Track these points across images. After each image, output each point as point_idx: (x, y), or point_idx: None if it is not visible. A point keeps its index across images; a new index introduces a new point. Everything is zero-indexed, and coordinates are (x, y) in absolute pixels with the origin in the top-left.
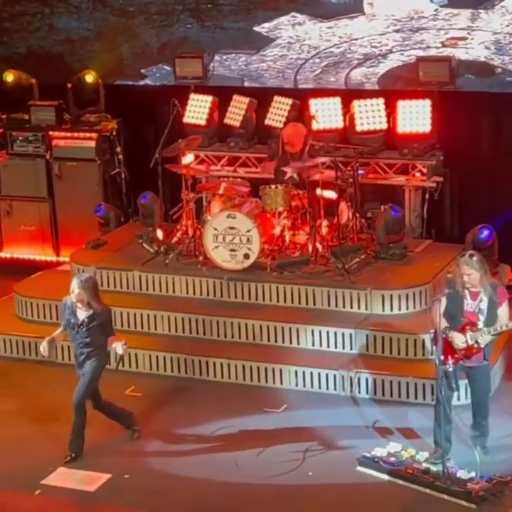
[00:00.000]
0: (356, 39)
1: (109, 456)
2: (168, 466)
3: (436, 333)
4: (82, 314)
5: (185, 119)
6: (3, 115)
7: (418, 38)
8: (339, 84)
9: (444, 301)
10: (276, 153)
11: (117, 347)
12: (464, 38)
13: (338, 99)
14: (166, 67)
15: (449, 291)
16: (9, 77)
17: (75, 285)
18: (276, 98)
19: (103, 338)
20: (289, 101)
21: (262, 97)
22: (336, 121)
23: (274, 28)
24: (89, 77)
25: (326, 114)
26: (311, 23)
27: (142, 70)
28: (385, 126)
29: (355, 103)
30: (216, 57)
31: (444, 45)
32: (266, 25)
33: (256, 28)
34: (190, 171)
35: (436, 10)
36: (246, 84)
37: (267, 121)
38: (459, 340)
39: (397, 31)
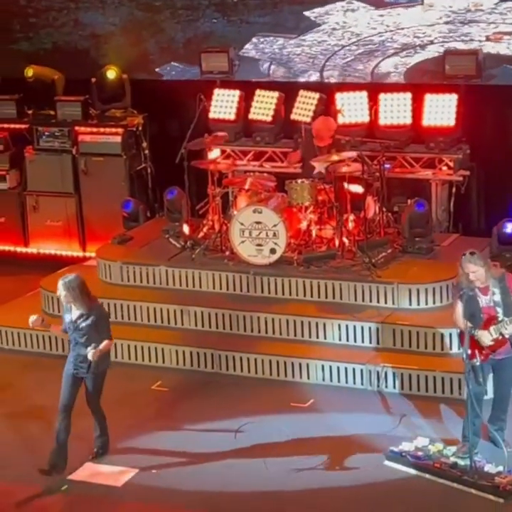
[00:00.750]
0: (402, 28)
1: (135, 451)
2: (195, 461)
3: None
4: (76, 313)
5: (212, 114)
6: (29, 110)
7: (465, 30)
8: (365, 73)
9: (459, 304)
10: (303, 146)
11: (88, 353)
12: (511, 33)
13: (364, 93)
14: (176, 64)
15: (460, 294)
16: (30, 72)
17: (60, 287)
18: (302, 92)
19: (100, 340)
20: (316, 95)
21: (287, 91)
22: (362, 116)
23: (324, 13)
24: (111, 73)
25: (352, 108)
26: (364, 10)
27: (157, 69)
28: (410, 120)
29: (382, 97)
30: (253, 40)
31: (488, 39)
32: (316, 9)
33: (306, 13)
34: (216, 167)
35: (496, 3)
36: (273, 67)
37: (293, 116)
38: (485, 338)
39: (447, 22)
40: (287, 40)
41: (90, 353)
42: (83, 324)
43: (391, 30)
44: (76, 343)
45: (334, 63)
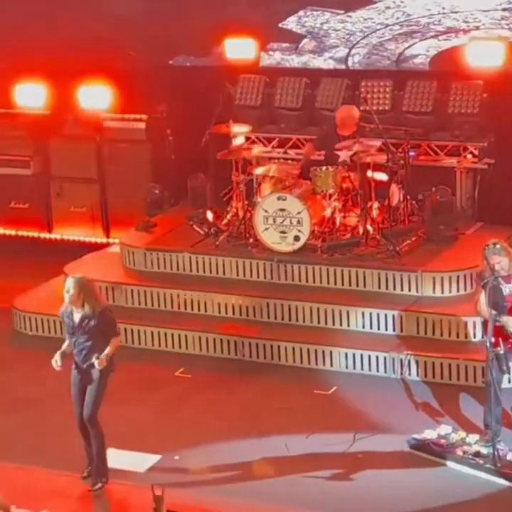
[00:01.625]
0: (456, 12)
1: (158, 437)
2: (218, 447)
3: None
4: (78, 316)
5: (237, 101)
6: (54, 96)
7: None
8: (392, 54)
9: (482, 293)
10: (327, 135)
11: (95, 362)
12: None
13: (389, 82)
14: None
15: (483, 283)
16: None
17: (70, 285)
18: (324, 80)
19: (105, 343)
20: (341, 82)
21: (313, 78)
22: (387, 103)
23: None
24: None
25: (376, 95)
26: None
27: (170, 62)
28: (430, 109)
29: (408, 84)
30: (299, 12)
31: None
32: None
33: None
34: (240, 155)
35: None
36: (305, 40)
37: (317, 103)
38: (511, 324)
39: (504, 9)
40: (334, 15)
41: (96, 362)
42: (91, 324)
43: (443, 13)
44: (82, 349)
45: (368, 41)
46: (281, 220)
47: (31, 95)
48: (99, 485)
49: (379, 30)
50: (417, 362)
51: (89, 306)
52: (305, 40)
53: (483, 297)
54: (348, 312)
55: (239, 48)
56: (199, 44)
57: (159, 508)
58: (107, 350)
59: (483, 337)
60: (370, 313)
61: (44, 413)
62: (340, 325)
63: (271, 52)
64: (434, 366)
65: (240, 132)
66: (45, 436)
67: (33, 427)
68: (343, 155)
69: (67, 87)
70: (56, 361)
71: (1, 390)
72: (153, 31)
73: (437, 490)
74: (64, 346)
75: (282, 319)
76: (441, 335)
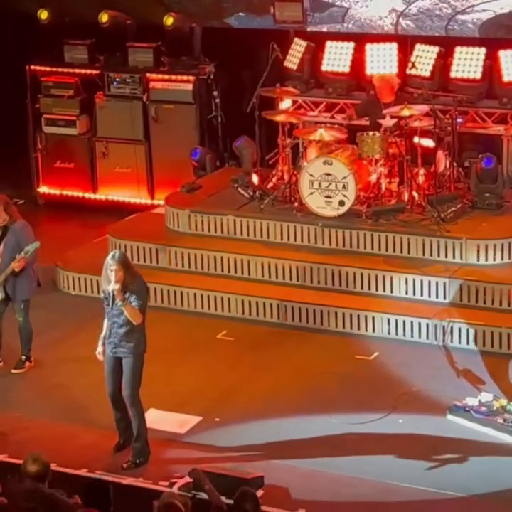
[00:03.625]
0: None
1: (200, 399)
2: (258, 410)
3: None
4: (113, 286)
5: (286, 63)
6: (100, 56)
7: None
8: (442, 19)
9: None
10: (369, 102)
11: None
12: None
13: (437, 48)
14: (241, 14)
15: None
16: (104, 17)
17: (112, 262)
18: (369, 45)
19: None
20: (390, 46)
21: (360, 43)
22: (435, 69)
23: None
24: (169, 20)
25: (425, 61)
26: None
27: (225, 20)
28: (479, 76)
29: (457, 50)
30: None
31: None
32: None
33: None
34: (286, 118)
35: None
36: (352, 8)
37: (368, 70)
38: None
39: None
40: None
41: (115, 288)
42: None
43: None
44: (113, 323)
45: (420, 5)
46: (327, 184)
47: (79, 54)
48: (137, 463)
49: None
50: (459, 329)
51: (128, 282)
52: (351, 10)
53: None
54: (391, 278)
55: (288, 11)
56: (249, 6)
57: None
58: (131, 302)
59: None
60: (414, 280)
61: (86, 371)
62: (384, 291)
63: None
64: (476, 334)
65: (287, 95)
66: (87, 395)
67: (74, 386)
68: (386, 122)
69: (118, 46)
70: (100, 353)
71: (44, 349)
72: None
73: (477, 456)
74: (104, 329)
75: (325, 284)
76: (485, 302)
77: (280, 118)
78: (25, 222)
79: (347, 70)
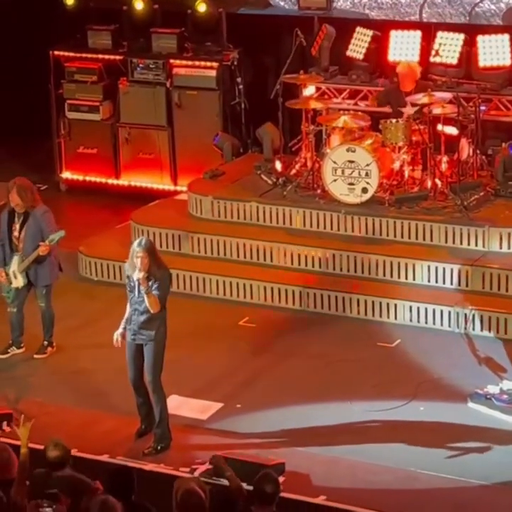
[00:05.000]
0: None
1: (221, 385)
2: (280, 397)
3: None
4: (139, 275)
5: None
6: (124, 42)
7: None
8: (468, 3)
9: None
10: (391, 90)
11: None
12: None
13: (461, 35)
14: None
15: None
16: (139, 3)
17: (138, 248)
18: (393, 32)
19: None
20: (415, 34)
21: (384, 30)
22: (459, 56)
23: None
24: (202, 6)
25: (448, 48)
26: None
27: (242, 9)
28: (508, 61)
29: (480, 38)
30: None
31: None
32: None
33: None
34: (309, 105)
35: None
36: None
37: (391, 57)
38: None
39: None
40: None
41: (139, 275)
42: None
43: None
44: (135, 310)
45: None
46: (350, 171)
47: (102, 39)
48: (158, 449)
49: None
50: (481, 317)
51: (154, 269)
52: None
53: None
54: (414, 265)
55: None
56: None
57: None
58: (154, 291)
59: None
60: (436, 267)
61: (108, 357)
62: (406, 278)
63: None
64: (498, 322)
65: (310, 82)
66: (109, 381)
67: (96, 371)
68: (407, 110)
69: (139, 31)
70: (118, 336)
71: (66, 335)
72: None
73: (497, 444)
74: (127, 312)
75: (347, 271)
76: (507, 290)
77: (308, 105)
78: (47, 208)
79: (366, 57)
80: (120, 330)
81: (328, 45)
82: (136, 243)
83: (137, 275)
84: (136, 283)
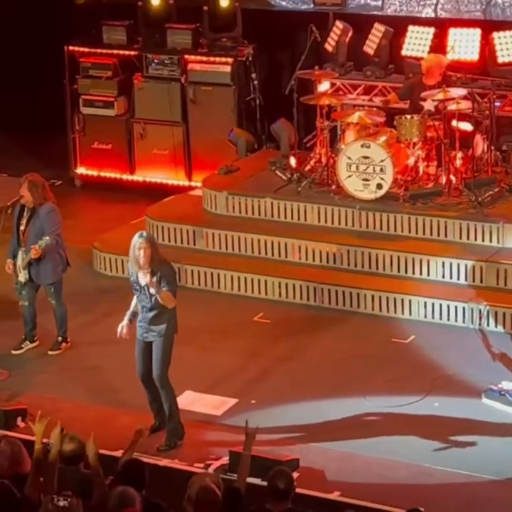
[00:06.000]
0: None
1: (236, 381)
2: (294, 393)
3: None
4: (143, 277)
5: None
6: (139, 37)
7: None
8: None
9: None
10: (413, 84)
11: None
12: None
13: (477, 31)
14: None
15: None
16: None
17: (140, 241)
18: (411, 27)
19: None
20: (429, 30)
21: (401, 26)
22: (474, 53)
23: None
24: (224, 1)
25: (464, 44)
26: None
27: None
28: None
29: (495, 35)
30: None
31: None
32: None
33: None
34: (324, 101)
35: None
36: None
37: (404, 51)
38: None
39: None
40: None
41: (145, 278)
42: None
43: None
44: (143, 307)
45: None
46: (365, 167)
47: (117, 35)
48: (171, 445)
49: None
50: (495, 313)
51: (156, 262)
52: None
53: None
54: (428, 261)
55: None
56: None
57: (249, 444)
58: (164, 288)
59: None
60: (451, 263)
61: (122, 353)
62: (420, 274)
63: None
64: None
65: (325, 78)
66: (123, 377)
67: (110, 367)
68: (428, 104)
69: (154, 26)
70: (122, 327)
71: (80, 330)
72: None
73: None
74: (132, 305)
75: (362, 267)
76: None
77: (322, 101)
78: (54, 207)
79: (379, 53)
80: (125, 321)
81: (345, 40)
82: (136, 236)
83: (144, 280)
84: (141, 282)
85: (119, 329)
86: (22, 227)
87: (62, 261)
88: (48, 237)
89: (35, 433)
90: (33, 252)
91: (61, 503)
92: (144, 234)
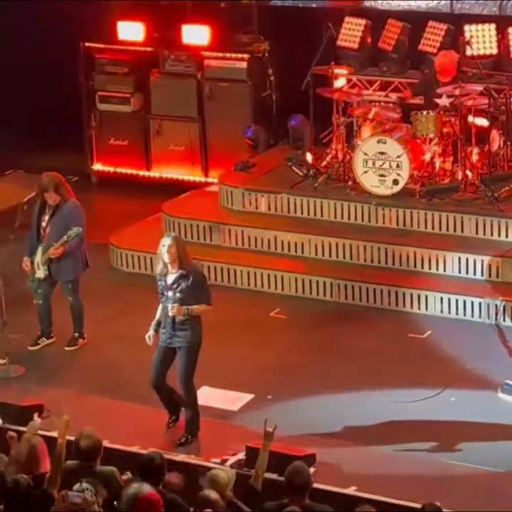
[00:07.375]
0: None
1: (252, 377)
2: (310, 388)
3: None
4: (171, 277)
5: (339, 42)
6: (155, 33)
7: None
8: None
9: None
10: (427, 80)
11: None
12: None
13: (493, 26)
14: None
15: None
16: None
17: (168, 242)
18: (430, 23)
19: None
20: (444, 26)
21: (416, 21)
22: (491, 48)
23: None
24: None
25: (480, 40)
26: None
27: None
28: None
29: (511, 30)
30: None
31: None
32: None
33: None
34: (341, 96)
35: None
36: None
37: (421, 47)
38: None
39: None
40: None
41: (173, 309)
42: (183, 285)
43: None
44: (168, 311)
45: None
46: (381, 163)
47: (133, 31)
48: (192, 435)
49: None
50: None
51: (184, 264)
52: None
53: None
54: (444, 257)
55: None
56: None
57: (266, 445)
58: (193, 306)
59: None
60: (467, 259)
61: (138, 349)
62: (437, 269)
63: None
64: None
65: (341, 74)
66: (139, 372)
67: (127, 363)
68: (443, 101)
69: (170, 23)
70: (149, 337)
71: (97, 326)
72: None
73: None
74: (157, 314)
75: (378, 262)
76: None
77: (339, 96)
78: (77, 203)
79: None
80: (151, 331)
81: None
82: (163, 238)
83: (171, 312)
84: (170, 284)
85: (146, 339)
86: (43, 224)
87: (82, 259)
88: (78, 227)
89: (58, 428)
90: (51, 251)
91: (76, 500)
92: (171, 234)
